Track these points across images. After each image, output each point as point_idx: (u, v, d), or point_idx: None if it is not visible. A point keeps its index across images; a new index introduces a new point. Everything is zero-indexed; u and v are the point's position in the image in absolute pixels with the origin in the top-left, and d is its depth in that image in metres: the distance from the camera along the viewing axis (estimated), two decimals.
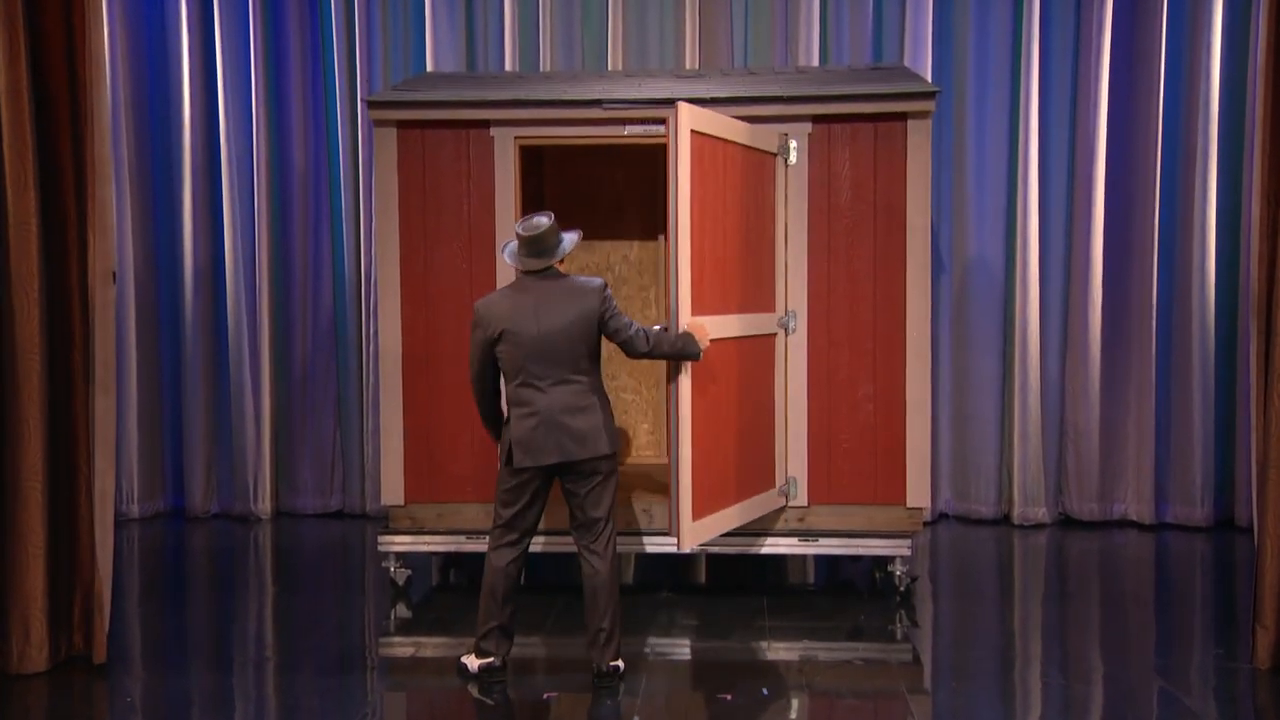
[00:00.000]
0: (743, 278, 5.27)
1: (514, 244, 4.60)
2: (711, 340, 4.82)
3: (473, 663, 4.63)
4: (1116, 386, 7.18)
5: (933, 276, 5.94)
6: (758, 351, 5.44)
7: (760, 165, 5.40)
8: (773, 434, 5.58)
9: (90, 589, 4.71)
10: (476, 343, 4.54)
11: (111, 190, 4.66)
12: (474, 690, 4.55)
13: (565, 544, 5.59)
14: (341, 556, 6.91)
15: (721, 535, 5.50)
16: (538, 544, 5.69)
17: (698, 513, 4.93)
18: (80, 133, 4.58)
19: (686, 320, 4.75)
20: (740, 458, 5.27)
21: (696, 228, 4.86)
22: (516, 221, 4.76)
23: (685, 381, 4.80)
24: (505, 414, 4.62)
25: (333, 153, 7.52)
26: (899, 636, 5.25)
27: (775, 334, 5.56)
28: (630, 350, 4.59)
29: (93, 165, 4.58)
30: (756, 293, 5.42)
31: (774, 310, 5.56)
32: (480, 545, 5.70)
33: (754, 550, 5.67)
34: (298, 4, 7.43)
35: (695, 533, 4.94)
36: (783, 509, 5.65)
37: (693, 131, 4.82)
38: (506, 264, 4.60)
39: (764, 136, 5.42)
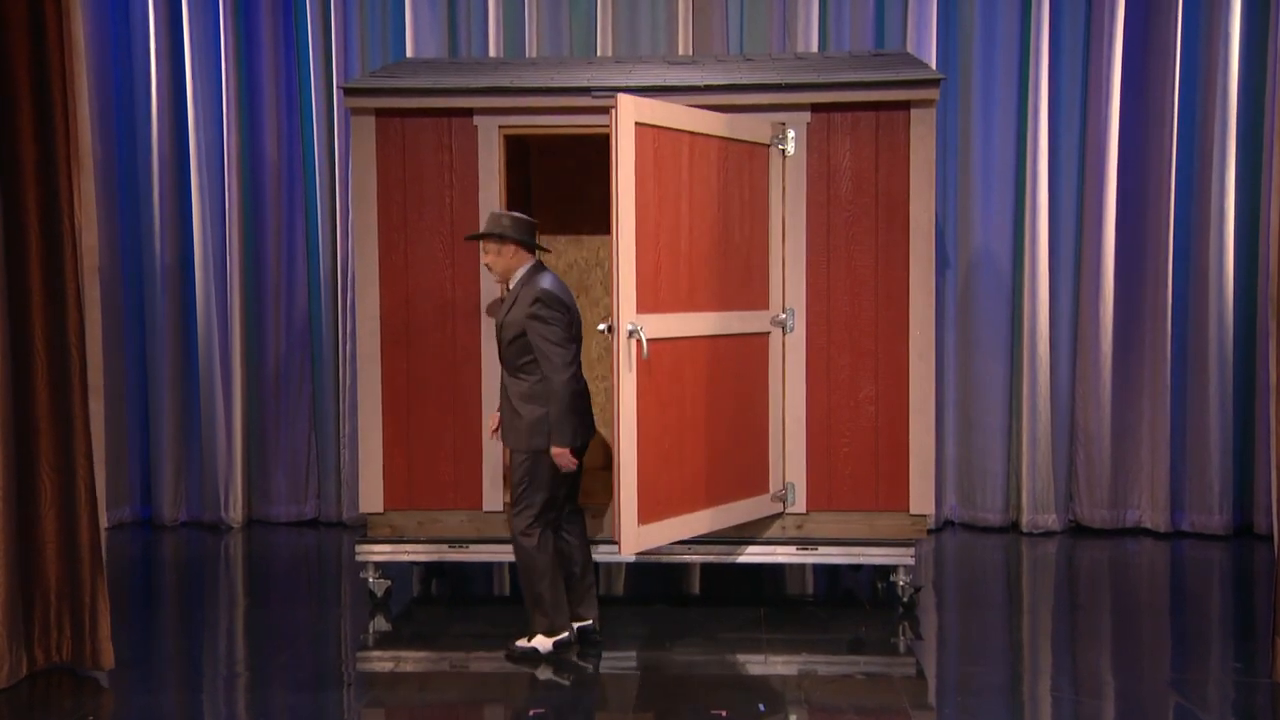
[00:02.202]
0: (718, 274, 5.31)
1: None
2: (672, 339, 5.02)
3: (545, 643, 5.00)
4: (1129, 388, 7.21)
5: (937, 273, 5.96)
6: (743, 351, 5.46)
7: (746, 156, 5.42)
8: (765, 437, 5.59)
9: (49, 601, 4.71)
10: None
11: (92, 183, 4.67)
12: (458, 705, 4.56)
13: None
14: (317, 567, 6.91)
15: (716, 544, 5.56)
16: None
17: (646, 517, 4.98)
18: (49, 121, 4.58)
19: (630, 320, 4.82)
20: (711, 461, 5.30)
21: (650, 224, 4.94)
22: (503, 209, 4.96)
23: (629, 380, 4.86)
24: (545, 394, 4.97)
25: (307, 143, 7.52)
26: (902, 649, 5.27)
27: (769, 333, 5.57)
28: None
29: (76, 158, 4.59)
30: (742, 290, 5.44)
31: (767, 308, 5.57)
32: (463, 554, 5.72)
33: (751, 559, 5.68)
34: None
35: (641, 538, 4.99)
36: (780, 516, 5.66)
37: (645, 125, 4.89)
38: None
39: (751, 126, 5.44)
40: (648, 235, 4.94)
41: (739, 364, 5.45)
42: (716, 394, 5.32)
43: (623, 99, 4.84)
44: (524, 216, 5.08)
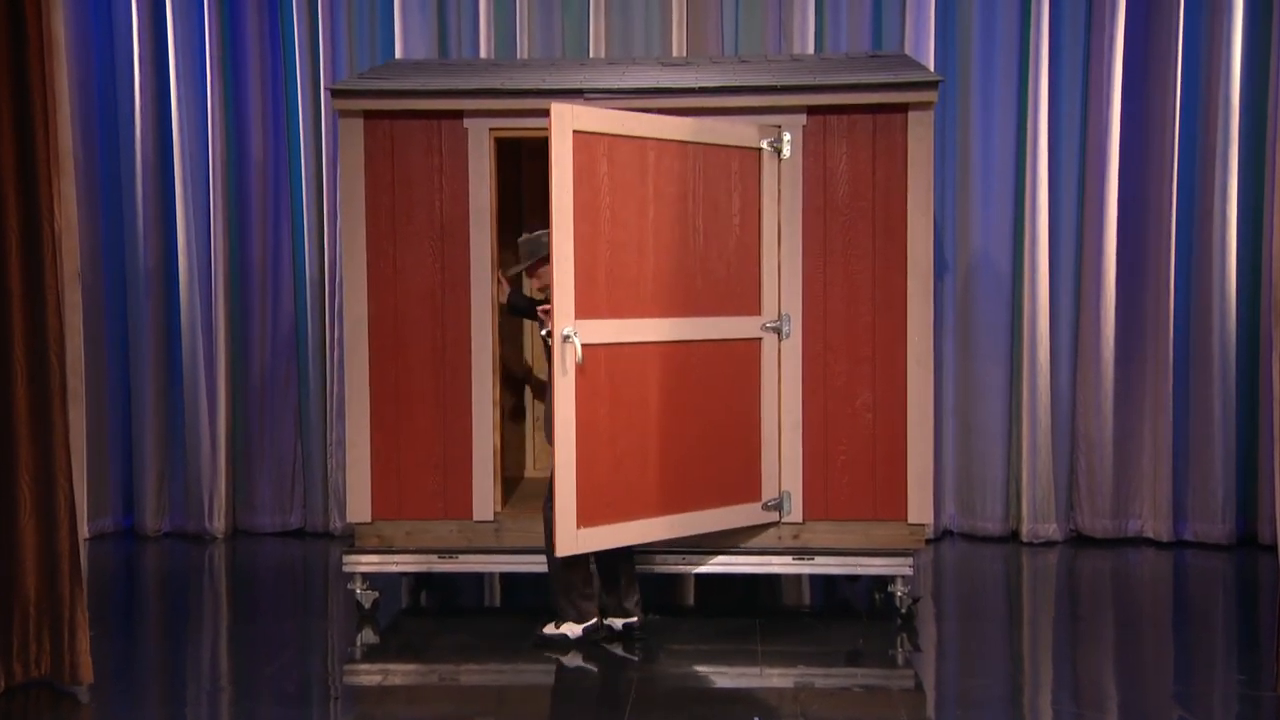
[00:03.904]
0: (692, 280, 5.35)
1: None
2: (628, 344, 5.13)
3: (574, 629, 5.21)
4: (1131, 395, 7.21)
5: (935, 278, 5.97)
6: (728, 357, 5.48)
7: (731, 161, 5.43)
8: (755, 444, 5.59)
9: (28, 614, 4.69)
10: None
11: (73, 185, 4.66)
12: (448, 718, 4.57)
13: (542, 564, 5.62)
14: (303, 578, 6.90)
15: (711, 554, 5.62)
16: (517, 564, 5.71)
17: (587, 521, 5.02)
18: (28, 123, 4.56)
19: (566, 325, 4.92)
20: (675, 468, 5.32)
21: (602, 232, 5.04)
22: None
23: (565, 385, 4.93)
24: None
25: (294, 146, 7.51)
26: (900, 661, 5.27)
27: (759, 339, 5.58)
28: None
29: (56, 160, 4.58)
30: (726, 296, 5.47)
31: (758, 314, 5.57)
32: (452, 565, 5.72)
33: (746, 569, 5.68)
34: None
35: (580, 541, 5.04)
36: (776, 525, 5.66)
37: (593, 133, 4.97)
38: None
39: (735, 131, 5.46)
40: (599, 243, 5.04)
41: (722, 371, 5.47)
42: (687, 400, 5.36)
43: (557, 107, 4.94)
44: (543, 231, 5.27)
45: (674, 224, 5.31)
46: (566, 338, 4.95)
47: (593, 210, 5.04)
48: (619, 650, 5.23)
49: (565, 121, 4.94)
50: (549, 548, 5.25)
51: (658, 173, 5.23)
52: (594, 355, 5.03)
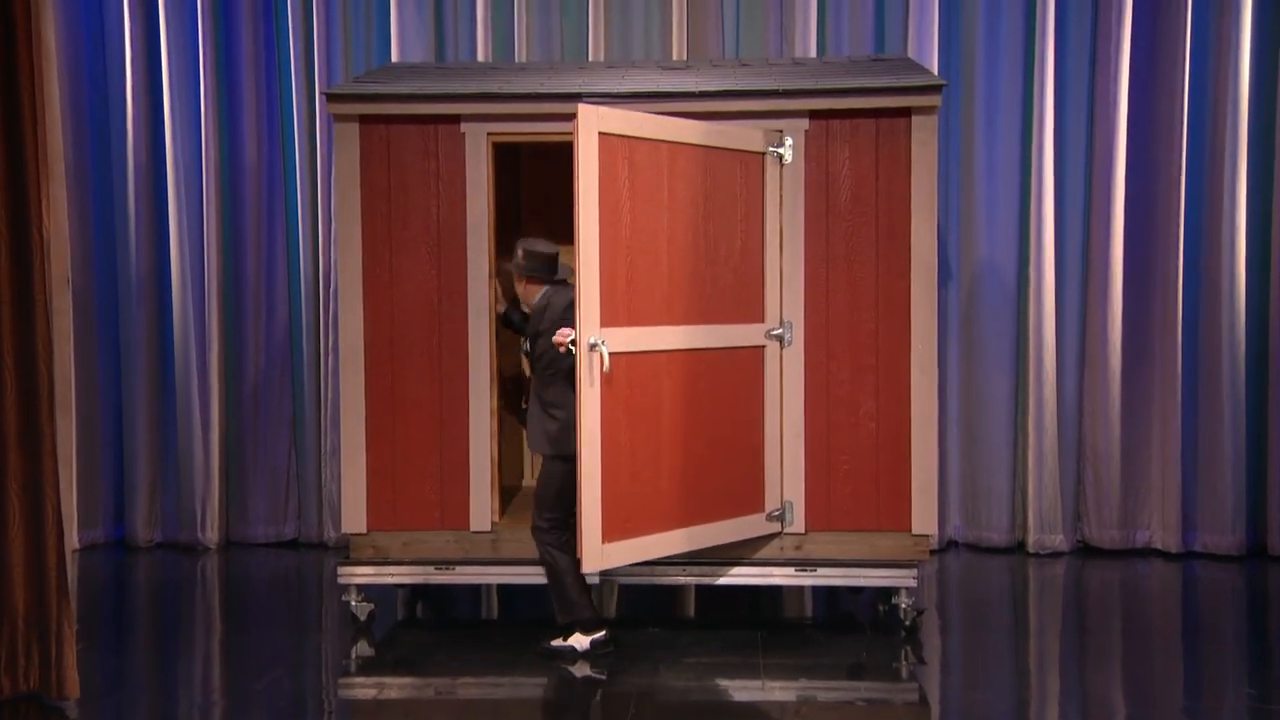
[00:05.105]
0: (703, 287, 5.35)
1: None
2: (647, 353, 5.13)
3: (582, 641, 5.23)
4: (1139, 404, 7.20)
5: (939, 284, 5.97)
6: (734, 365, 5.48)
7: (737, 165, 5.44)
8: (759, 454, 5.59)
9: (16, 626, 4.67)
10: None
11: (64, 189, 4.65)
12: None
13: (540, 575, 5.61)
14: (297, 589, 6.89)
15: (712, 565, 5.58)
16: (515, 575, 5.69)
17: (611, 535, 5.02)
18: (17, 125, 4.56)
19: (592, 333, 4.92)
20: (690, 478, 5.32)
21: (622, 237, 5.04)
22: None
23: (591, 395, 4.91)
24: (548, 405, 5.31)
25: (288, 150, 7.51)
26: (904, 675, 5.26)
27: (763, 346, 5.57)
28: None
29: (45, 163, 4.58)
30: (732, 302, 5.47)
31: (762, 321, 5.57)
32: (449, 576, 5.71)
33: (748, 580, 5.67)
34: None
35: (606, 556, 5.03)
36: (778, 536, 5.65)
37: (614, 135, 4.96)
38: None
39: (742, 135, 5.46)
40: (620, 248, 5.03)
41: (729, 379, 5.46)
42: (699, 409, 5.35)
43: (583, 109, 4.92)
44: (541, 250, 5.41)
45: (687, 228, 5.30)
46: (593, 346, 4.91)
47: (614, 215, 5.02)
48: (619, 663, 5.22)
49: (591, 123, 4.92)
50: (543, 562, 5.34)
51: (672, 176, 5.22)
52: (615, 364, 5.00)
